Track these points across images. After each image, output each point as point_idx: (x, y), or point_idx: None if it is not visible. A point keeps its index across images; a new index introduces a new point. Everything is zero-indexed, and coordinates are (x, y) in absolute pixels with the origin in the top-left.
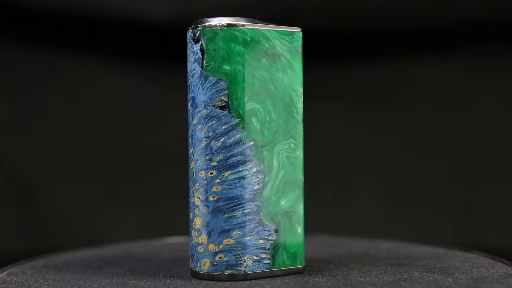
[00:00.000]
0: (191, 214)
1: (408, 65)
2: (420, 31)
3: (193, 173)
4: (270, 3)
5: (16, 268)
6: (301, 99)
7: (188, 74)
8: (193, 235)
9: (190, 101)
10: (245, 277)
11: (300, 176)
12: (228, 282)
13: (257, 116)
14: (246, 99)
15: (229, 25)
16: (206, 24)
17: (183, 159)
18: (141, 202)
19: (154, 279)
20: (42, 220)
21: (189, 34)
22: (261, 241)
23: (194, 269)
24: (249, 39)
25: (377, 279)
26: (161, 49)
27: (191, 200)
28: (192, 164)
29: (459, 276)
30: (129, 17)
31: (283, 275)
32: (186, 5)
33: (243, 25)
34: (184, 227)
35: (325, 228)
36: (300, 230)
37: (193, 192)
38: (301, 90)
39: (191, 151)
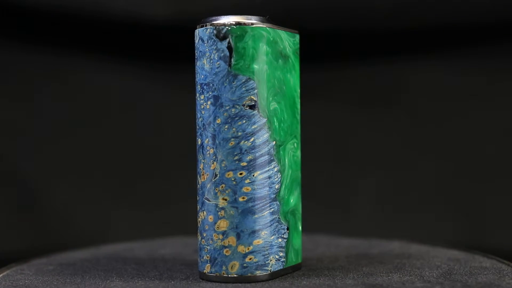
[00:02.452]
0: (211, 216)
1: (408, 65)
2: (420, 31)
3: (216, 174)
4: (270, 3)
5: (16, 268)
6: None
7: (204, 72)
8: (214, 238)
9: (211, 99)
10: (272, 276)
11: (299, 175)
12: (267, 283)
13: (276, 116)
14: (270, 99)
15: (254, 24)
16: (232, 22)
17: (184, 159)
18: (141, 202)
19: (165, 281)
20: (42, 220)
21: (210, 31)
22: (279, 240)
23: (219, 273)
24: (271, 39)
25: (389, 273)
26: (161, 49)
27: (212, 202)
28: (214, 165)
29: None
30: (129, 17)
31: (291, 272)
32: (186, 5)
33: (252, 24)
34: (183, 227)
35: (325, 228)
36: (300, 227)
37: (216, 194)
38: (299, 91)
39: (211, 152)
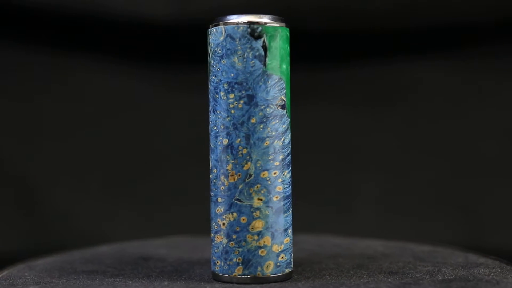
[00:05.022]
0: (244, 218)
1: (408, 65)
2: (420, 31)
3: (251, 174)
4: (270, 3)
5: (16, 269)
6: None
7: (234, 70)
8: (249, 239)
9: (244, 98)
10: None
11: None
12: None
13: (290, 116)
14: (290, 99)
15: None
16: (264, 21)
17: (184, 159)
18: (141, 202)
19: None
20: (42, 220)
21: (244, 29)
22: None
23: (253, 275)
24: (289, 39)
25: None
26: (161, 49)
27: (245, 203)
28: (247, 165)
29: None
30: (129, 17)
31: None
32: (186, 5)
33: (265, 23)
34: (184, 227)
35: (325, 228)
36: None
37: (251, 194)
38: None
39: (245, 152)
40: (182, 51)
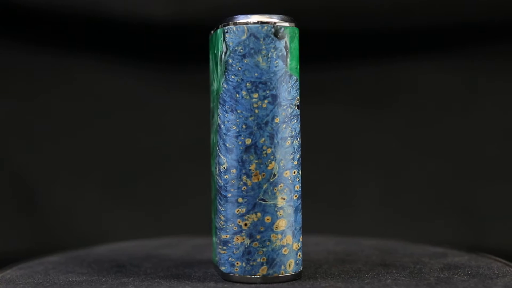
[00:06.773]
0: (268, 217)
1: (407, 65)
2: (420, 31)
3: (275, 174)
4: (270, 2)
5: (16, 269)
6: None
7: (258, 70)
8: (273, 239)
9: (269, 98)
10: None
11: None
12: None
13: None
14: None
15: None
16: (279, 22)
17: (184, 159)
18: (141, 202)
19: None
20: (42, 220)
21: (268, 29)
22: None
23: (277, 274)
24: None
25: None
26: (161, 49)
27: (269, 203)
28: (271, 165)
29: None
30: (129, 17)
31: None
32: (186, 5)
33: (275, 23)
34: (184, 227)
35: (325, 229)
36: None
37: (275, 194)
38: None
39: (269, 151)
40: (182, 51)
